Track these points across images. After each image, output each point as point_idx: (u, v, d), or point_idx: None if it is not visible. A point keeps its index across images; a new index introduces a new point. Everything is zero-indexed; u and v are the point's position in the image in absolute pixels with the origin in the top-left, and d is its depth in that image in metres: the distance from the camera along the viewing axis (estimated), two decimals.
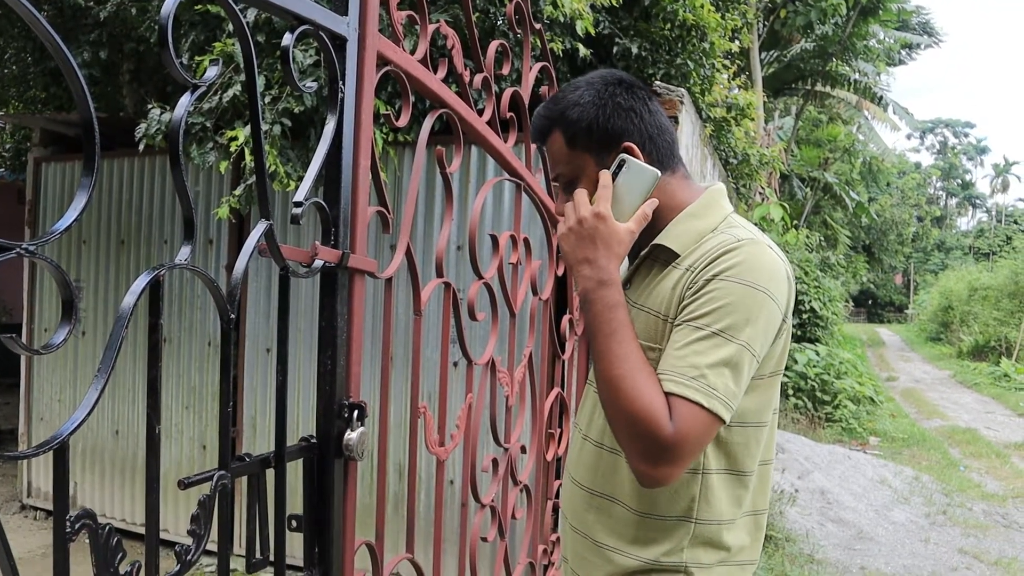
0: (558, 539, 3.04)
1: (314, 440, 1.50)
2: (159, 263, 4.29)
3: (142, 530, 4.29)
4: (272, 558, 1.42)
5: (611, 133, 1.38)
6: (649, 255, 1.41)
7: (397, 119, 1.72)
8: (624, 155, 1.38)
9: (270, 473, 1.38)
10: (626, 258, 1.43)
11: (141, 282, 1.09)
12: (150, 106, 2.99)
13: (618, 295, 1.31)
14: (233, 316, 1.25)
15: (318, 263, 1.47)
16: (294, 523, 1.50)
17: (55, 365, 4.71)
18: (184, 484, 1.23)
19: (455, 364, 4.04)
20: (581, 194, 1.39)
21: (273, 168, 2.92)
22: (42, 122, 4.77)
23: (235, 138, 2.84)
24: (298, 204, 1.42)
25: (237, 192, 3.03)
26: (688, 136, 3.41)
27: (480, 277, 2.17)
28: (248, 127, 2.94)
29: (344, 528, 1.55)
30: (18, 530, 4.50)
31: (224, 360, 1.26)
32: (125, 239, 4.37)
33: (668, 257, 1.37)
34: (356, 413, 1.52)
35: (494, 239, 2.28)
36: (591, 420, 1.52)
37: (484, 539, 2.29)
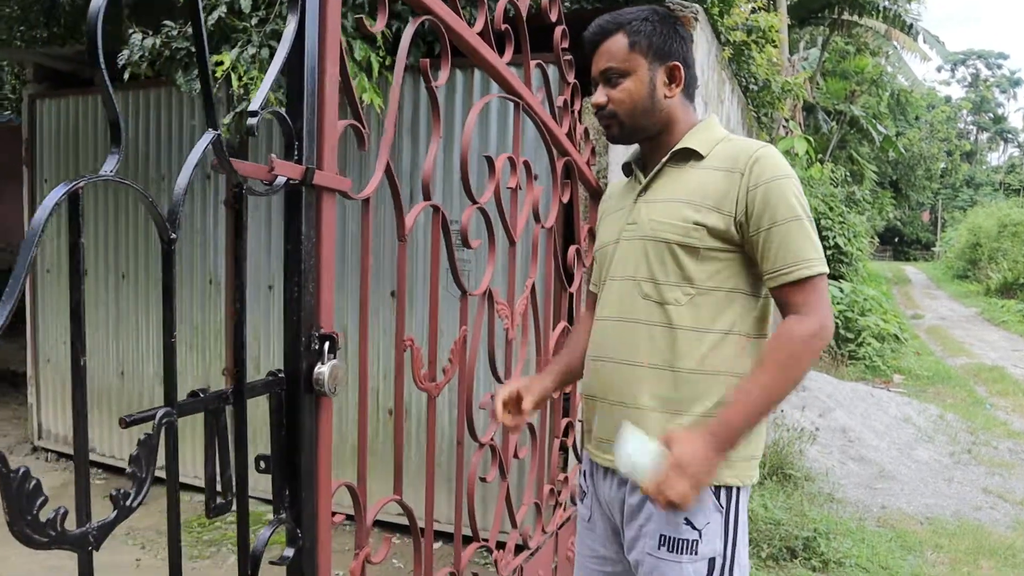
0: (566, 479, 2.94)
1: (281, 374, 1.38)
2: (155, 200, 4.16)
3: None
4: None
5: (667, 51, 1.63)
6: (670, 160, 1.65)
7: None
8: None
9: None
10: (635, 168, 1.74)
11: (54, 196, 0.95)
12: (131, 31, 2.83)
13: (734, 433, 1.45)
14: (174, 236, 1.12)
15: (280, 180, 1.33)
16: (262, 464, 1.39)
17: (59, 307, 4.64)
18: (126, 422, 1.11)
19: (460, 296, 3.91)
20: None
21: (271, 95, 2.75)
22: (36, 57, 4.62)
23: (221, 62, 2.68)
24: (252, 114, 1.27)
25: (226, 120, 2.88)
26: (704, 56, 3.21)
27: (473, 202, 2.02)
28: (235, 50, 2.77)
29: (318, 469, 1.44)
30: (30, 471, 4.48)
31: (166, 287, 1.13)
32: (120, 176, 4.23)
33: (691, 157, 1.62)
34: (327, 345, 1.39)
35: (490, 162, 2.12)
36: (623, 306, 1.66)
37: (483, 479, 2.18)
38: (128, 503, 1.07)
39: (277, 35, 2.81)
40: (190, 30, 2.83)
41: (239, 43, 2.75)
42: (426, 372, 1.83)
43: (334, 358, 1.41)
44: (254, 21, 2.79)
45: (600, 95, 1.66)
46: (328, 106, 1.40)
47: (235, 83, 2.72)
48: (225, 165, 1.21)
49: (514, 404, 1.80)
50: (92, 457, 4.69)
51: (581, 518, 1.81)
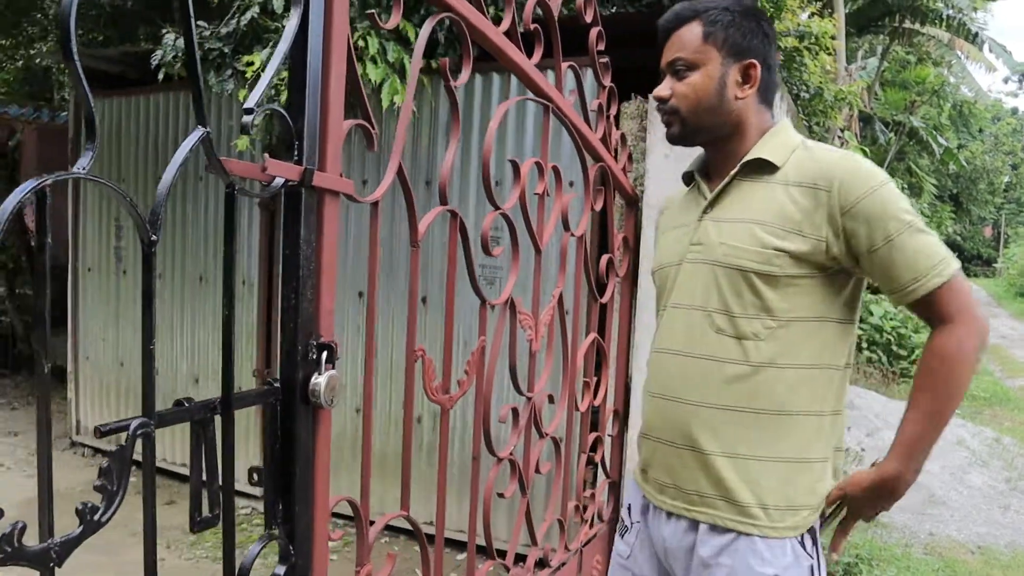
0: (592, 495, 2.84)
1: (277, 384, 1.32)
2: (193, 201, 4.17)
3: (177, 468, 4.27)
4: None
5: (744, 47, 1.49)
6: (739, 172, 1.49)
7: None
8: None
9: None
10: (698, 179, 1.60)
11: (18, 195, 0.90)
12: (164, 31, 2.82)
13: (909, 472, 1.39)
14: (155, 238, 1.06)
15: (278, 181, 1.27)
16: (255, 476, 1.33)
17: (98, 304, 4.69)
18: (100, 432, 1.05)
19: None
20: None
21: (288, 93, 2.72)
22: (82, 59, 4.67)
23: (252, 63, 2.66)
24: (248, 111, 1.22)
25: (257, 121, 2.85)
26: None
27: (496, 207, 1.94)
28: (266, 51, 2.74)
29: (315, 484, 1.37)
30: (66, 466, 4.55)
31: (145, 289, 1.08)
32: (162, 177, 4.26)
33: (764, 169, 1.46)
34: (325, 354, 1.33)
35: (515, 166, 2.05)
36: (690, 339, 1.53)
37: (501, 495, 2.10)
38: (96, 518, 1.01)
39: None
40: (223, 30, 2.81)
41: (271, 43, 2.72)
42: (439, 384, 1.76)
43: (332, 368, 1.35)
44: (287, 19, 2.75)
45: (664, 87, 1.53)
46: (333, 105, 1.34)
47: None
48: (215, 164, 1.16)
49: None
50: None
51: (618, 554, 1.68)
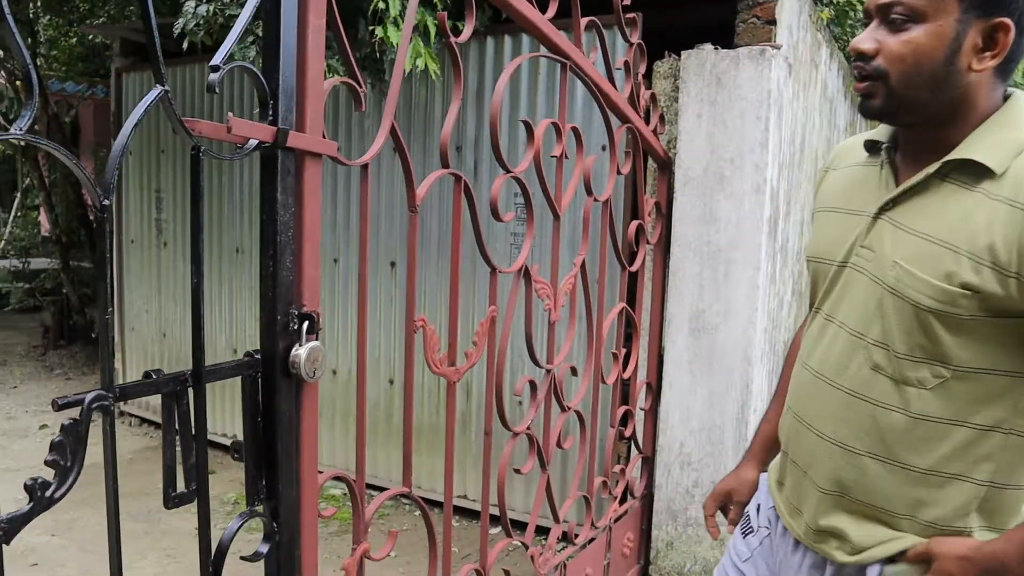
0: (623, 470, 2.75)
1: (257, 356, 1.26)
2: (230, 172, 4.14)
3: (217, 438, 4.30)
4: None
5: (1000, 2, 1.07)
6: (939, 171, 1.13)
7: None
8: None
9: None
10: (884, 156, 1.22)
11: None
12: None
13: (1016, 562, 1.09)
14: (107, 202, 1.00)
15: (252, 143, 1.20)
16: (236, 453, 1.29)
17: (141, 276, 4.74)
18: (57, 404, 1.01)
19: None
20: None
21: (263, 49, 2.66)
22: (122, 32, 4.71)
23: None
24: (214, 68, 1.15)
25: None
26: (791, 14, 2.91)
27: (507, 170, 1.85)
28: None
29: (300, 460, 1.32)
30: None
31: (99, 256, 1.02)
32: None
33: (973, 173, 1.09)
34: (306, 324, 1.27)
35: (528, 127, 1.95)
36: (841, 367, 1.24)
37: (518, 471, 2.03)
38: (48, 494, 0.97)
39: None
40: None
41: None
42: (443, 355, 1.69)
43: (315, 339, 1.29)
44: None
45: (868, 38, 1.12)
46: (312, 61, 1.26)
47: None
48: (177, 125, 1.10)
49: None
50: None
51: (736, 552, 1.48)
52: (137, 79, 4.62)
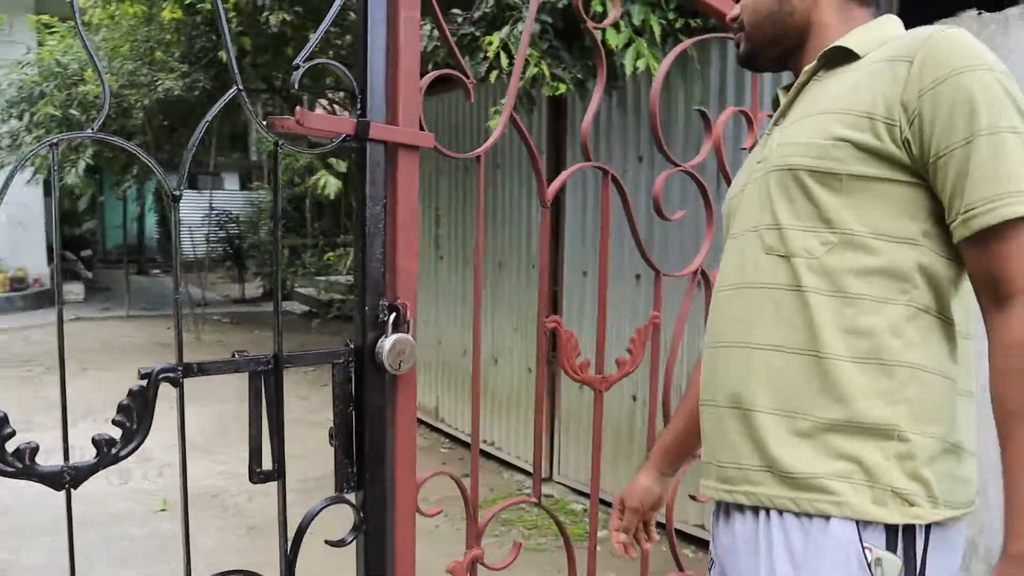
0: None
1: (350, 346, 1.29)
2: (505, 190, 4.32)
3: (491, 450, 4.49)
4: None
5: None
6: (816, 68, 1.17)
7: None
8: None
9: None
10: (779, 94, 1.27)
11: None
12: (421, 23, 2.96)
13: None
14: (178, 193, 1.08)
15: (340, 137, 1.24)
16: (332, 439, 1.32)
17: (420, 288, 5.12)
18: (140, 374, 1.11)
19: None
20: None
21: (536, 70, 2.69)
22: None
23: (492, 43, 2.68)
24: (296, 67, 1.20)
25: (504, 100, 2.87)
26: None
27: (675, 164, 1.71)
28: (506, 28, 2.75)
29: (394, 453, 1.32)
30: None
31: (174, 242, 1.10)
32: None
33: (847, 60, 1.14)
34: (393, 316, 1.27)
35: (704, 116, 1.79)
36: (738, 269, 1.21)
37: (693, 497, 1.85)
38: (113, 451, 1.06)
39: (550, 10, 2.72)
40: (476, 14, 2.88)
41: (511, 20, 2.72)
42: (584, 361, 1.60)
43: (407, 331, 1.28)
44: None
45: (737, 5, 1.25)
46: (404, 54, 1.27)
47: (504, 61, 2.69)
48: (253, 120, 1.16)
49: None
50: (440, 427, 5.12)
51: None
52: None
